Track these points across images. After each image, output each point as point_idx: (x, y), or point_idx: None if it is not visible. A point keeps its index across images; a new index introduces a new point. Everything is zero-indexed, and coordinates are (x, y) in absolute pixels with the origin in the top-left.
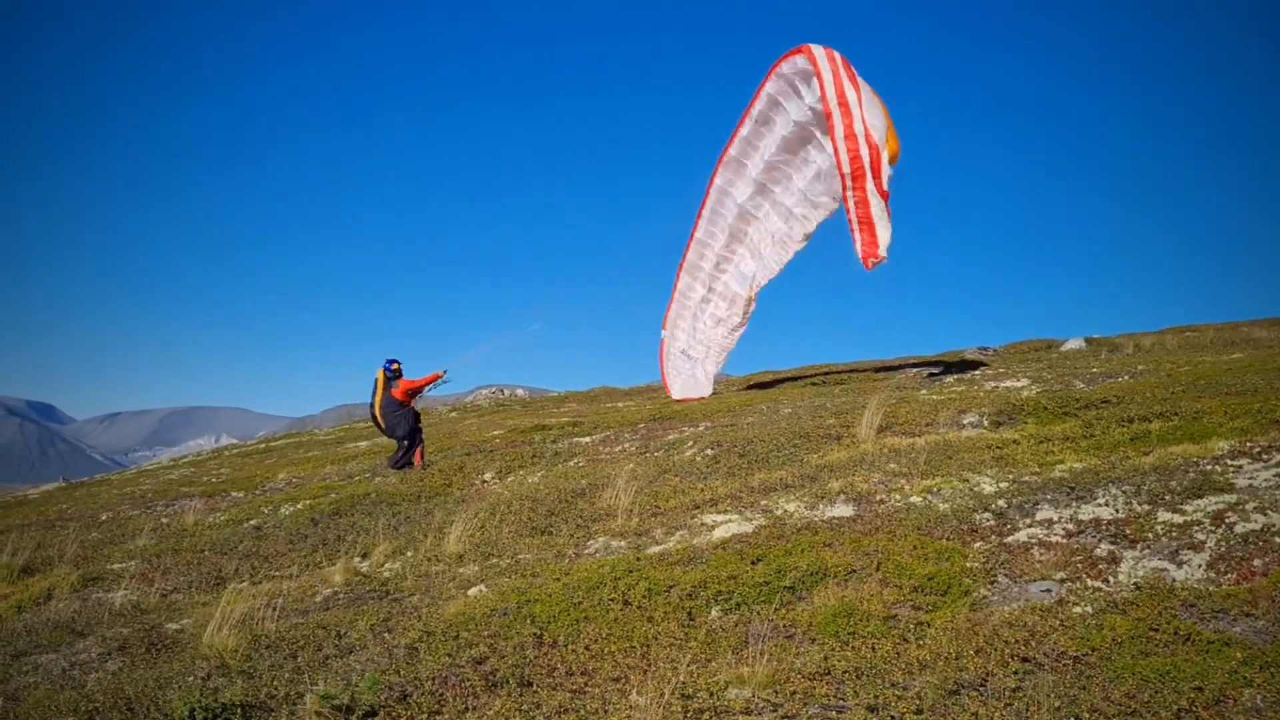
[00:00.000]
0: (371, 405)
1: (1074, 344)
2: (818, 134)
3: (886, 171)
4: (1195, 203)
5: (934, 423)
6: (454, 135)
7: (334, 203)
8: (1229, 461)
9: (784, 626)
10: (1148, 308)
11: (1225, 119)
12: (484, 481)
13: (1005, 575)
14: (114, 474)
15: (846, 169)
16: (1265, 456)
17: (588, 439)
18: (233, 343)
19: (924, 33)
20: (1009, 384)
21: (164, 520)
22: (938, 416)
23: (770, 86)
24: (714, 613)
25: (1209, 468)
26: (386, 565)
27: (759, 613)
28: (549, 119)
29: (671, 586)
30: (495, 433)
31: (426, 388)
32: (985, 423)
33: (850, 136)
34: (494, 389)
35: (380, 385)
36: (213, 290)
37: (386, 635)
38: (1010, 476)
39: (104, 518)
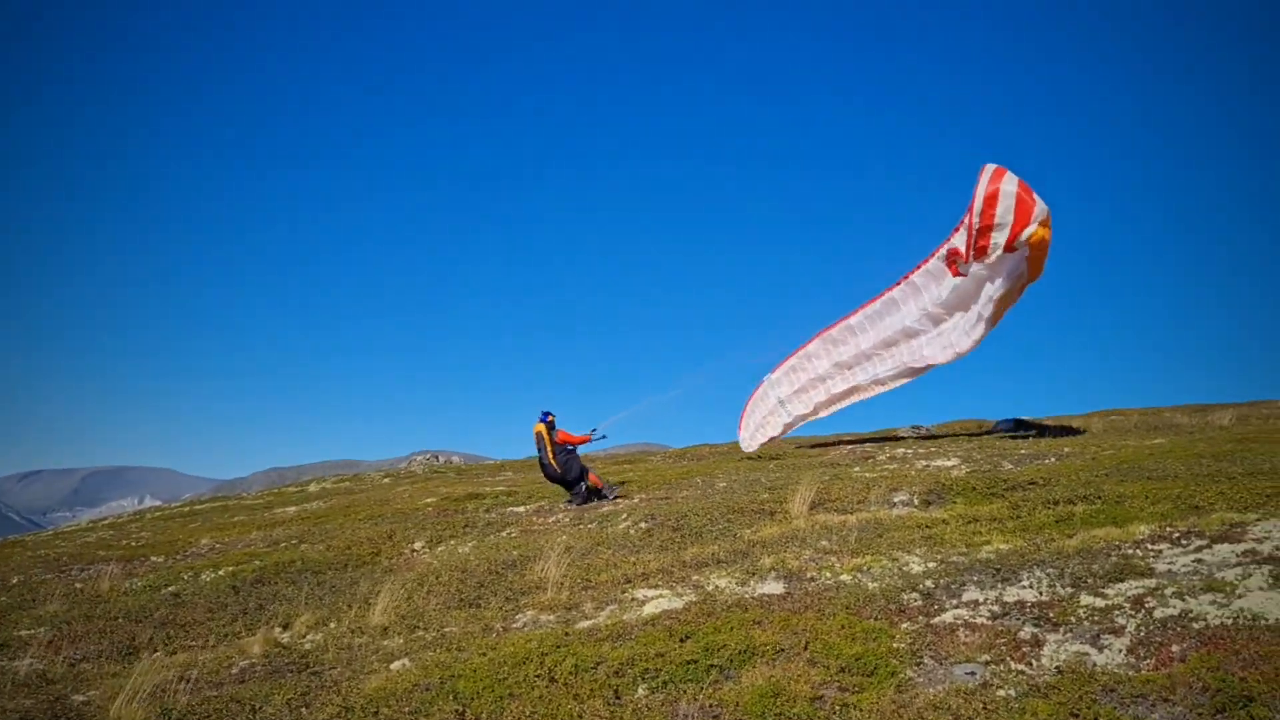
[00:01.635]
0: (543, 456)
1: (1003, 425)
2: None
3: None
4: (1122, 290)
5: (866, 500)
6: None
7: (271, 257)
8: (1149, 546)
9: (711, 707)
10: (1075, 390)
11: (1154, 211)
12: (414, 551)
13: (931, 657)
14: (29, 535)
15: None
16: (1184, 542)
17: (522, 509)
18: (161, 401)
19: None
20: (940, 463)
21: (78, 585)
22: (869, 494)
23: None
24: (641, 691)
25: (1130, 552)
26: (308, 636)
27: (686, 692)
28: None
29: (599, 663)
30: (428, 500)
31: (577, 446)
32: (916, 502)
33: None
34: (429, 455)
35: (546, 436)
36: (142, 347)
37: (304, 711)
38: (938, 556)
39: (14, 581)
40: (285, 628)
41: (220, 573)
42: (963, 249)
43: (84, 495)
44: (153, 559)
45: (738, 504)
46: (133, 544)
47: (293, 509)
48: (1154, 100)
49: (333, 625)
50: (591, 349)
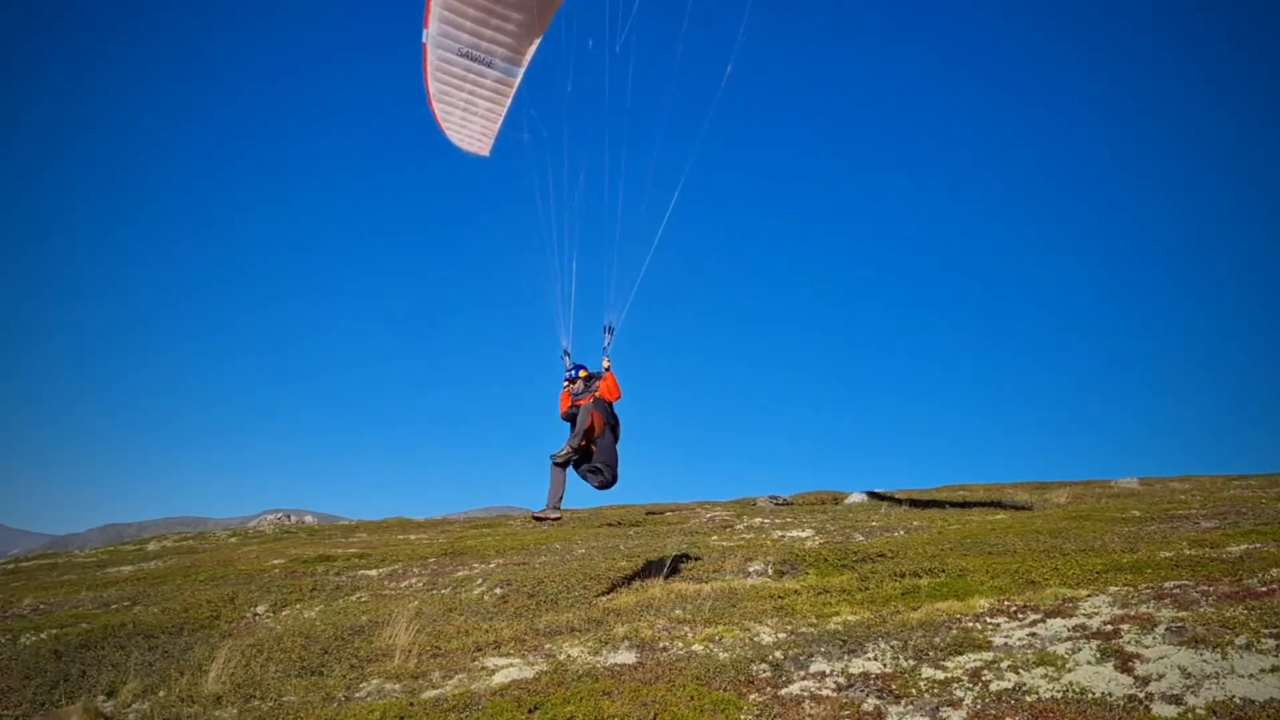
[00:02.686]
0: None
1: (856, 497)
2: None
3: None
4: (965, 370)
5: (721, 570)
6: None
7: (116, 288)
8: (988, 619)
9: None
10: (923, 465)
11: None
12: (256, 615)
13: None
14: None
15: None
16: (1020, 615)
17: (374, 572)
18: None
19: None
20: (795, 534)
21: None
22: (725, 564)
23: None
24: None
25: (970, 625)
26: (133, 705)
27: None
28: None
29: None
30: (276, 561)
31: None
32: (770, 571)
33: None
34: (281, 514)
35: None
36: None
37: None
38: (789, 627)
39: None
40: (109, 696)
41: (42, 635)
42: None
43: None
44: None
45: (595, 571)
46: None
47: (129, 568)
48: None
49: (162, 694)
50: (467, 403)
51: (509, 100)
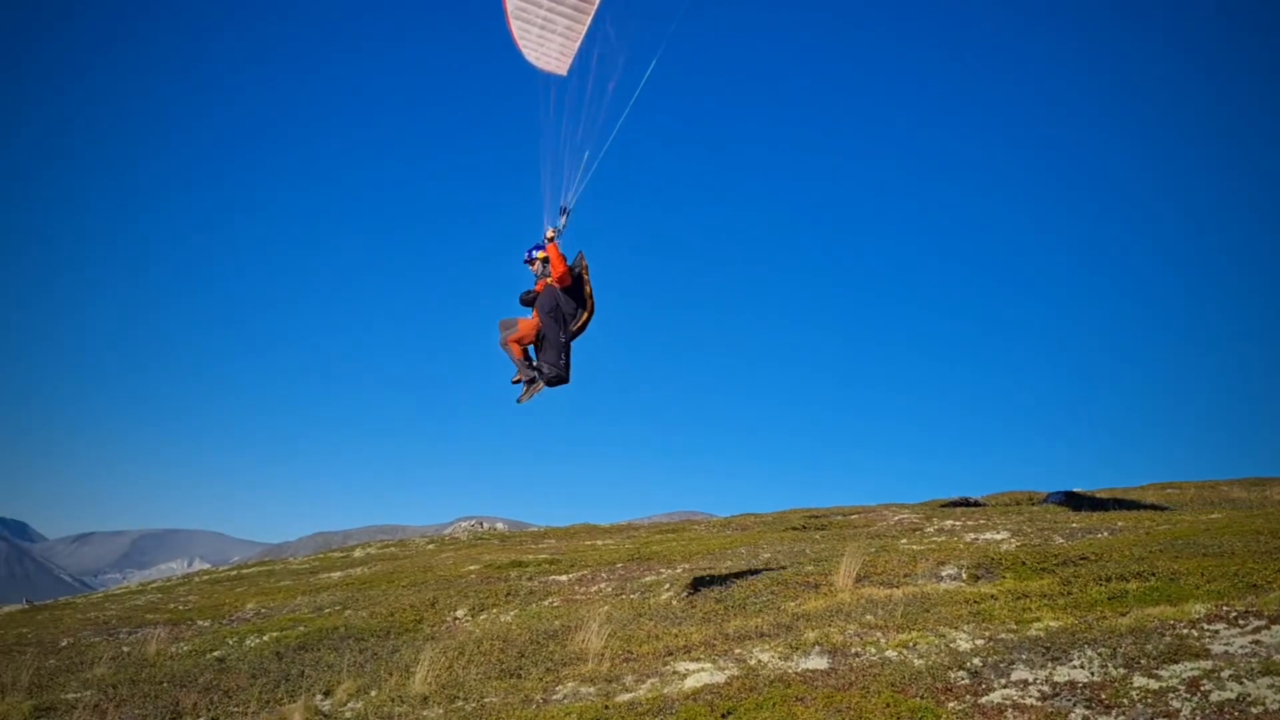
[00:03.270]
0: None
1: (1055, 497)
2: None
3: None
4: (1178, 362)
5: (912, 574)
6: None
7: (322, 322)
8: (1205, 626)
9: None
10: (1130, 463)
11: (1198, 281)
12: (455, 619)
13: None
14: (79, 597)
15: None
16: (1241, 622)
17: (564, 577)
18: (211, 465)
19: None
20: (989, 536)
21: (125, 649)
22: (916, 568)
23: None
24: None
25: (1185, 632)
26: (348, 705)
27: None
28: None
29: None
30: (471, 567)
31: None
32: (964, 576)
33: None
34: (473, 521)
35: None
36: (194, 410)
37: None
38: (987, 633)
39: (64, 643)
40: (326, 695)
41: (265, 638)
42: None
43: (134, 557)
44: (199, 623)
45: (782, 575)
46: (180, 607)
47: (338, 574)
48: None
49: (374, 693)
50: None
51: (589, 19)
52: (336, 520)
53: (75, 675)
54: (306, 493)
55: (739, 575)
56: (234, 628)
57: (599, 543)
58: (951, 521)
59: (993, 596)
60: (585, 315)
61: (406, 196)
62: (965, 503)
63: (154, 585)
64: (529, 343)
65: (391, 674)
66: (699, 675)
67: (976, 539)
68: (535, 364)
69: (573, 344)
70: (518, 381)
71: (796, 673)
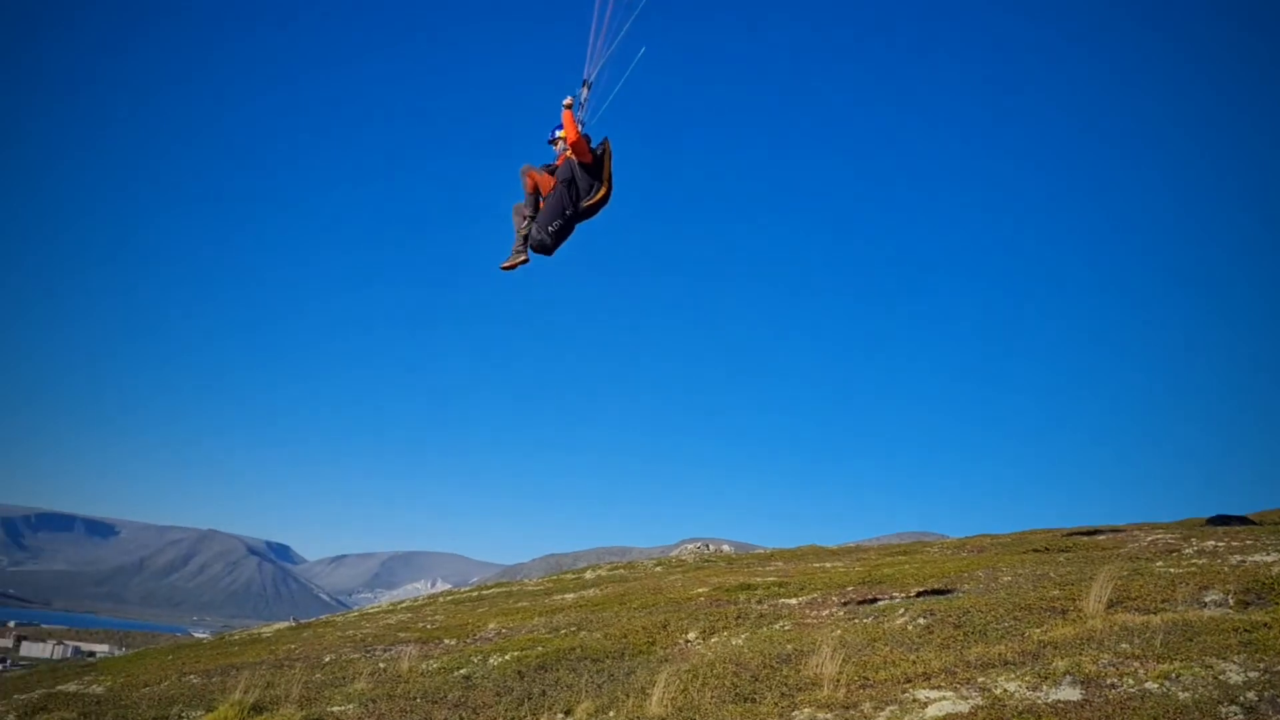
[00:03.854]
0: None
1: None
2: None
3: None
4: None
5: (1171, 599)
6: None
7: (548, 351)
8: None
9: None
10: None
11: None
12: (687, 641)
13: None
14: (338, 615)
15: None
16: None
17: (794, 600)
18: (450, 490)
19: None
20: (1258, 558)
21: (381, 665)
22: (1175, 593)
23: None
24: None
25: None
26: None
27: None
28: None
29: None
30: (700, 590)
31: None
32: (1230, 602)
33: None
34: (700, 543)
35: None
36: (435, 442)
37: None
38: (1261, 664)
39: (327, 659)
40: (567, 714)
41: (506, 657)
42: None
43: (384, 578)
44: (446, 641)
45: (1025, 600)
46: (428, 626)
47: (571, 596)
48: None
49: (611, 714)
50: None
51: None
52: (566, 542)
53: (339, 689)
54: (539, 516)
55: (977, 600)
56: (478, 647)
57: (827, 565)
58: (1213, 542)
59: (1265, 625)
60: (602, 191)
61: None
62: (1228, 520)
63: (403, 605)
64: (544, 193)
65: (628, 695)
66: (941, 704)
67: (1243, 561)
68: (529, 222)
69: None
70: (509, 267)
71: (1047, 704)
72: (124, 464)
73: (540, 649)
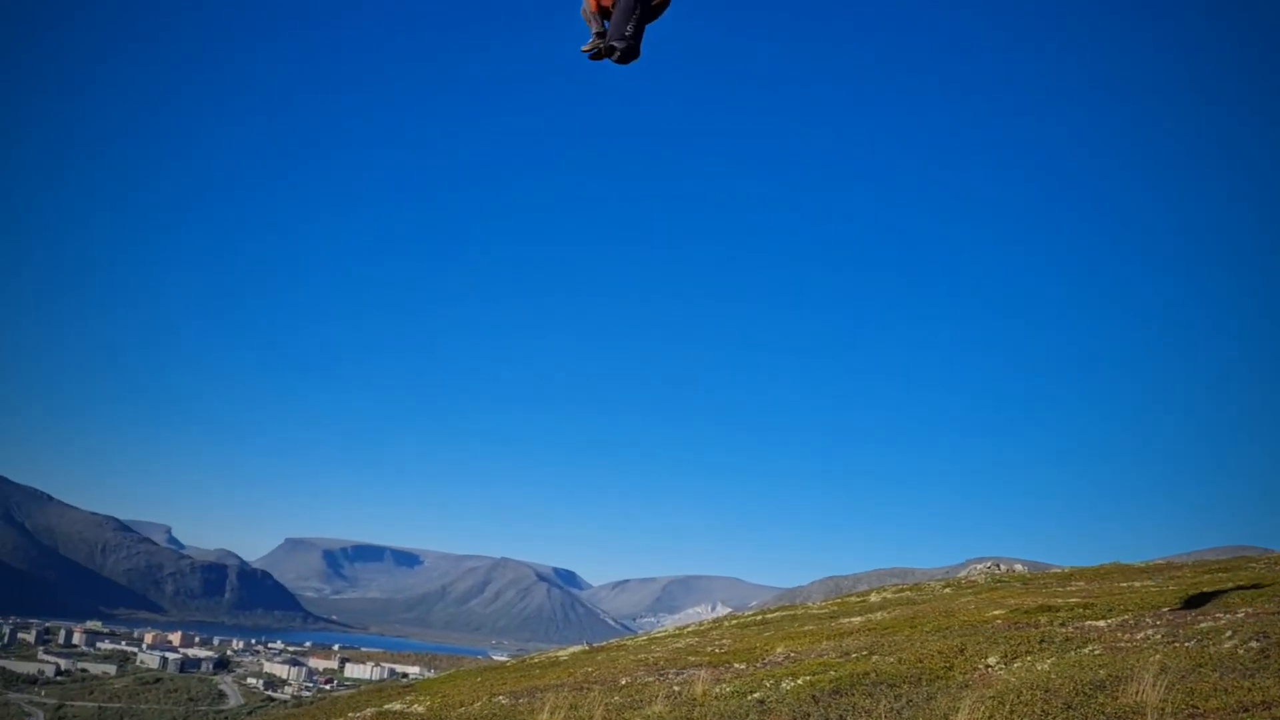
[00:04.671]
0: None
1: None
2: None
3: None
4: None
5: None
6: None
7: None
8: None
9: None
10: None
11: None
12: (988, 666)
13: None
14: (627, 639)
15: None
16: None
17: (1102, 623)
18: (727, 514)
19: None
20: None
21: (675, 688)
22: None
23: None
24: None
25: None
26: None
27: None
28: None
29: None
30: (995, 612)
31: None
32: None
33: None
34: (990, 563)
35: None
36: (705, 464)
37: None
38: None
39: (623, 682)
40: None
41: (799, 681)
42: None
43: (665, 602)
44: (736, 665)
45: None
46: (716, 650)
47: (858, 619)
48: None
49: None
50: None
51: None
52: (844, 564)
53: (637, 711)
54: (814, 538)
55: None
56: (768, 670)
57: (1135, 584)
58: None
59: None
60: None
61: None
62: None
63: (689, 629)
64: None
65: None
66: None
67: None
68: (603, 30)
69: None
70: (587, 50)
71: None
72: (426, 498)
73: (833, 673)
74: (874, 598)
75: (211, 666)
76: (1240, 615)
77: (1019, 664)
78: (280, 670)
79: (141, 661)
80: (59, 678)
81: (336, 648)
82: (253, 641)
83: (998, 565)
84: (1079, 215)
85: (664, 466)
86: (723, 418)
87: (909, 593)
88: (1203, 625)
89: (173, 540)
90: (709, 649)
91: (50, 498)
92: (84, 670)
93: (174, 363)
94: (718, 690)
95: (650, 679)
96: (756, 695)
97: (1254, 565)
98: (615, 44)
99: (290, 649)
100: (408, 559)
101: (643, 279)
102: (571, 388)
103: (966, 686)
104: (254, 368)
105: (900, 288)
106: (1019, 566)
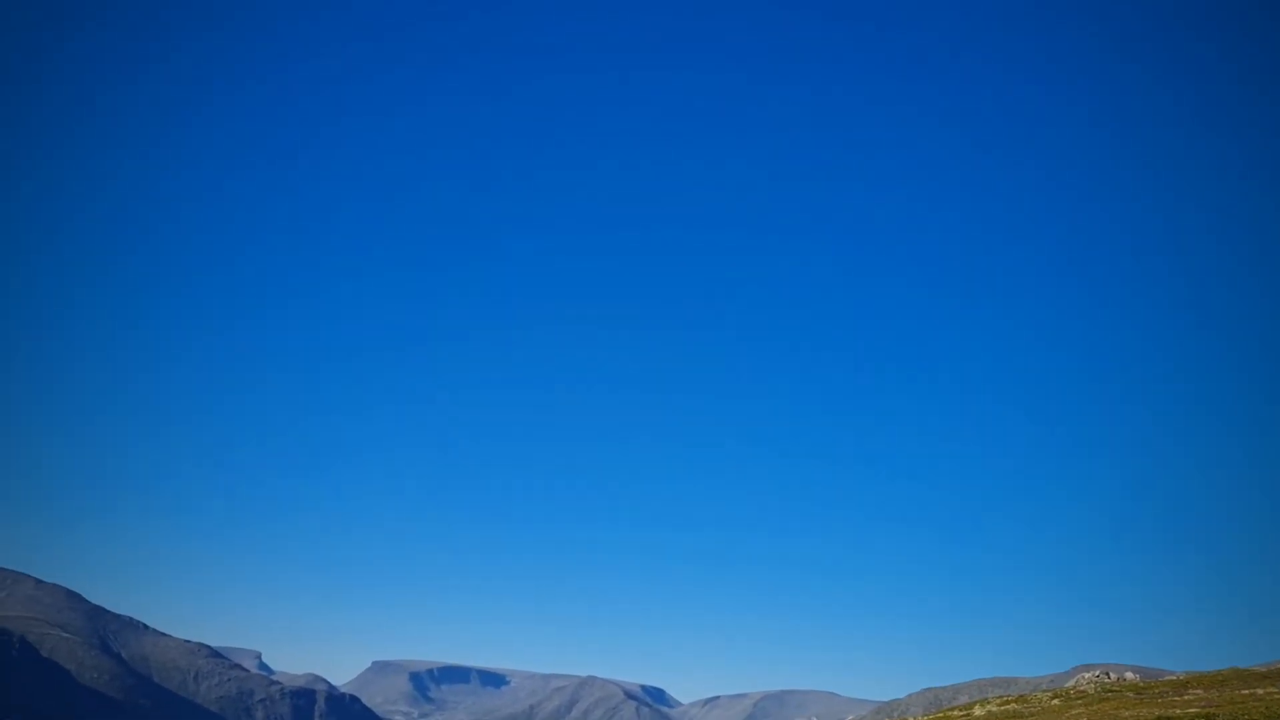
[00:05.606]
0: None
1: None
2: None
3: None
4: None
5: None
6: None
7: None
8: None
9: None
10: None
11: None
12: None
13: None
14: None
15: None
16: None
17: None
18: (821, 622)
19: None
20: None
21: None
22: None
23: None
24: None
25: None
26: None
27: None
28: None
29: None
30: None
31: None
32: None
33: None
34: (1099, 671)
35: None
36: (787, 574)
37: None
38: None
39: None
40: None
41: None
42: None
43: (757, 719)
44: None
45: None
46: None
47: None
48: None
49: None
50: None
51: None
52: (942, 673)
53: None
54: (912, 647)
55: None
56: None
57: (1257, 691)
58: None
59: None
60: None
61: None
62: None
63: None
64: None
65: None
66: None
67: None
68: None
69: None
70: None
71: None
72: (512, 613)
73: None
74: (978, 711)
75: None
76: None
77: None
78: None
79: None
80: None
81: None
82: None
83: (1107, 673)
84: None
85: (754, 576)
86: (814, 522)
87: (1014, 704)
88: None
89: (263, 665)
90: None
91: (146, 626)
92: None
93: (259, 498)
94: None
95: None
96: None
97: None
98: None
99: None
100: (494, 679)
101: (736, 384)
102: (637, 500)
103: None
104: (329, 497)
105: (955, 395)
106: (1130, 674)
